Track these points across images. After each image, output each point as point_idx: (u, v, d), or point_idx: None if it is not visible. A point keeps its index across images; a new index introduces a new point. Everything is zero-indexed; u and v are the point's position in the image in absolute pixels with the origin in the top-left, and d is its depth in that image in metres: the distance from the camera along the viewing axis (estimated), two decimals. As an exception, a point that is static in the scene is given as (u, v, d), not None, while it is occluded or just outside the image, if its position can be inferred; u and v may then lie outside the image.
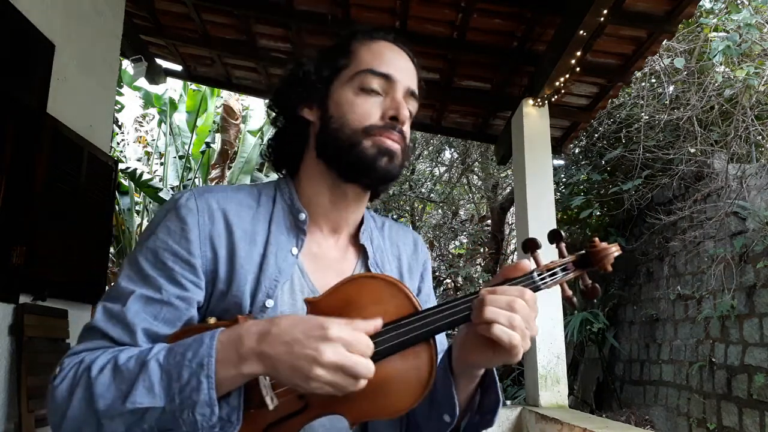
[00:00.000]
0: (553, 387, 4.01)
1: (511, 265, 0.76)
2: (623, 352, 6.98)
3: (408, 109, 0.92)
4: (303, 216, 0.91)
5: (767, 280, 4.77)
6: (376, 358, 0.70)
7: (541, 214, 4.17)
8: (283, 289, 0.86)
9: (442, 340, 1.02)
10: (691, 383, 5.55)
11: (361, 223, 0.99)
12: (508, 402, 4.70)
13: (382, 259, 0.98)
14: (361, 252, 0.96)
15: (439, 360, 0.83)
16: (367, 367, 0.67)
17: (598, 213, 7.89)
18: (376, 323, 0.72)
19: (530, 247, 0.77)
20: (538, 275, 0.76)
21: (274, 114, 0.98)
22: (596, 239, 0.79)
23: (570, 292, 0.78)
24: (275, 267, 0.85)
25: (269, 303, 0.83)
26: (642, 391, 6.50)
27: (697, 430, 5.40)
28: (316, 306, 0.76)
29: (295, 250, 0.88)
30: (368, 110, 0.88)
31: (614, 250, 0.78)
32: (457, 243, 11.36)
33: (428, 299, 1.05)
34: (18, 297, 2.85)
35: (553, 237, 0.80)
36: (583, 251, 0.79)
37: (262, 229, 0.88)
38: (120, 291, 0.80)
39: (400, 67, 0.92)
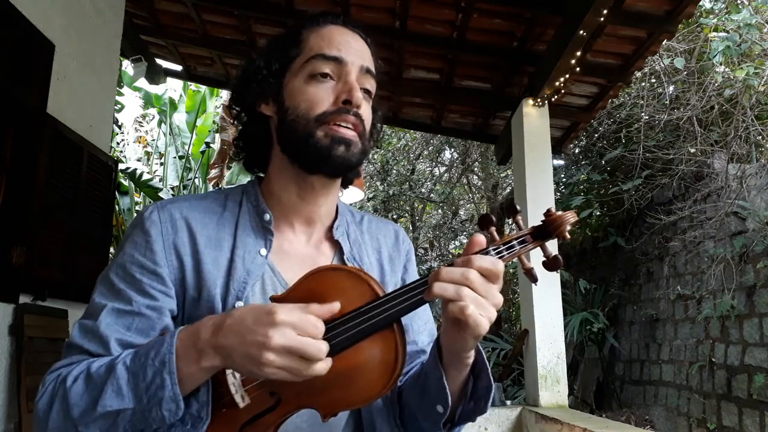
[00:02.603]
0: (553, 387, 4.01)
1: (468, 243, 0.76)
2: (623, 352, 6.98)
3: (366, 87, 0.91)
4: (267, 216, 0.92)
5: (767, 280, 4.77)
6: (339, 347, 0.71)
7: (541, 214, 4.15)
8: (253, 289, 0.87)
9: (432, 331, 1.03)
10: (691, 383, 5.56)
11: (336, 218, 0.99)
12: (508, 402, 4.70)
13: (359, 253, 0.98)
14: (337, 247, 0.97)
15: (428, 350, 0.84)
16: (317, 347, 0.67)
17: (598, 213, 7.89)
18: (333, 307, 0.72)
19: (485, 223, 0.77)
20: (494, 249, 0.75)
21: (235, 113, 0.98)
22: (551, 208, 0.79)
23: (530, 265, 0.77)
24: (243, 269, 0.87)
25: (239, 305, 0.84)
26: (642, 391, 6.50)
27: (697, 430, 5.40)
28: (282, 302, 0.77)
29: (263, 251, 0.89)
30: (320, 96, 0.87)
31: (570, 217, 0.77)
32: (457, 243, 11.36)
33: None
34: (18, 297, 2.85)
35: (509, 211, 0.80)
36: (540, 222, 0.79)
37: (228, 234, 0.89)
38: (93, 307, 0.83)
39: (351, 48, 0.90)
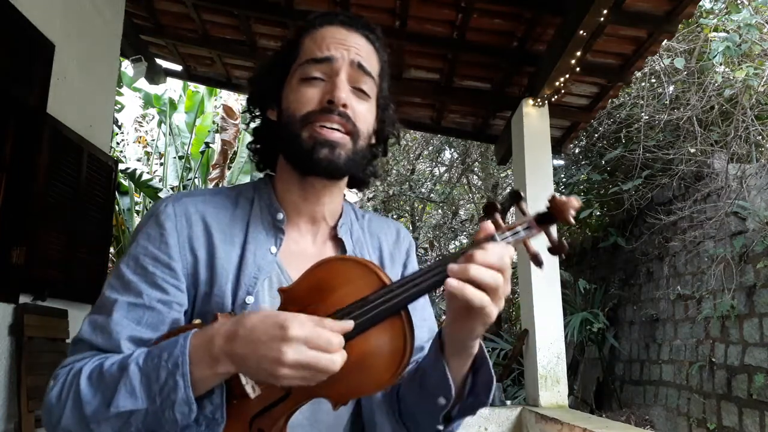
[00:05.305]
0: (553, 387, 4.01)
1: (478, 231, 0.76)
2: (623, 352, 6.98)
3: (359, 86, 0.89)
4: (281, 215, 0.92)
5: (767, 280, 4.77)
6: (349, 336, 0.72)
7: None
8: (263, 286, 0.87)
9: (432, 327, 1.03)
10: (691, 383, 5.55)
11: (340, 217, 0.99)
12: (508, 402, 4.70)
13: (361, 251, 0.98)
14: (340, 245, 0.97)
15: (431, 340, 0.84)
16: (330, 360, 0.68)
17: (598, 213, 7.89)
18: (346, 325, 0.71)
19: (489, 210, 0.78)
20: (501, 236, 0.76)
21: (249, 118, 1.00)
22: (555, 194, 0.79)
23: (535, 250, 0.77)
24: (254, 265, 0.87)
25: (249, 299, 0.85)
26: (642, 391, 6.50)
27: (697, 430, 5.39)
28: (289, 293, 0.78)
29: (273, 249, 0.90)
30: (308, 97, 0.87)
31: (574, 202, 0.77)
32: (457, 243, 11.36)
33: None
34: (18, 297, 2.85)
35: (513, 198, 0.80)
36: (544, 208, 0.79)
37: (240, 230, 0.90)
38: (104, 301, 0.83)
39: (342, 45, 0.89)
